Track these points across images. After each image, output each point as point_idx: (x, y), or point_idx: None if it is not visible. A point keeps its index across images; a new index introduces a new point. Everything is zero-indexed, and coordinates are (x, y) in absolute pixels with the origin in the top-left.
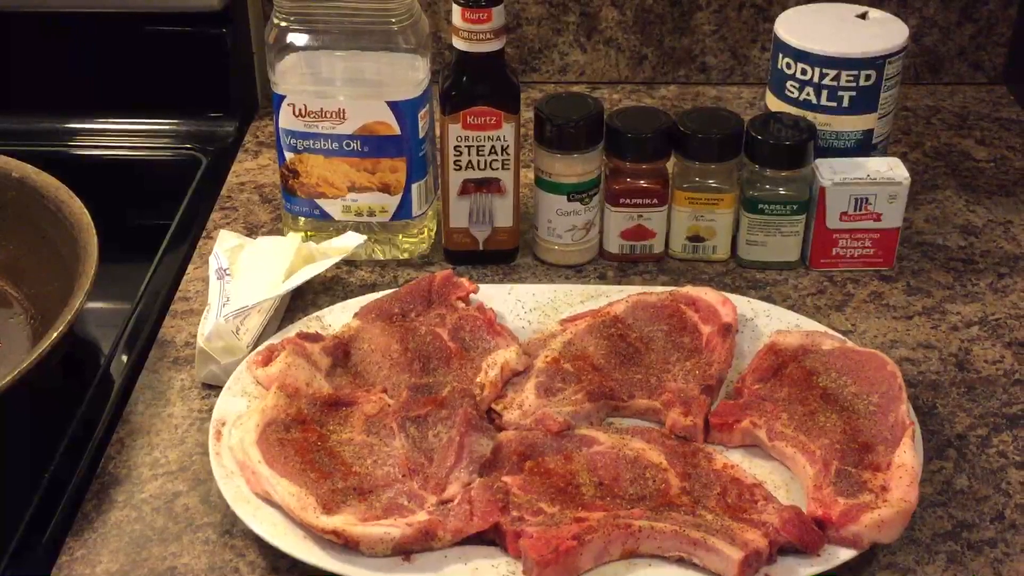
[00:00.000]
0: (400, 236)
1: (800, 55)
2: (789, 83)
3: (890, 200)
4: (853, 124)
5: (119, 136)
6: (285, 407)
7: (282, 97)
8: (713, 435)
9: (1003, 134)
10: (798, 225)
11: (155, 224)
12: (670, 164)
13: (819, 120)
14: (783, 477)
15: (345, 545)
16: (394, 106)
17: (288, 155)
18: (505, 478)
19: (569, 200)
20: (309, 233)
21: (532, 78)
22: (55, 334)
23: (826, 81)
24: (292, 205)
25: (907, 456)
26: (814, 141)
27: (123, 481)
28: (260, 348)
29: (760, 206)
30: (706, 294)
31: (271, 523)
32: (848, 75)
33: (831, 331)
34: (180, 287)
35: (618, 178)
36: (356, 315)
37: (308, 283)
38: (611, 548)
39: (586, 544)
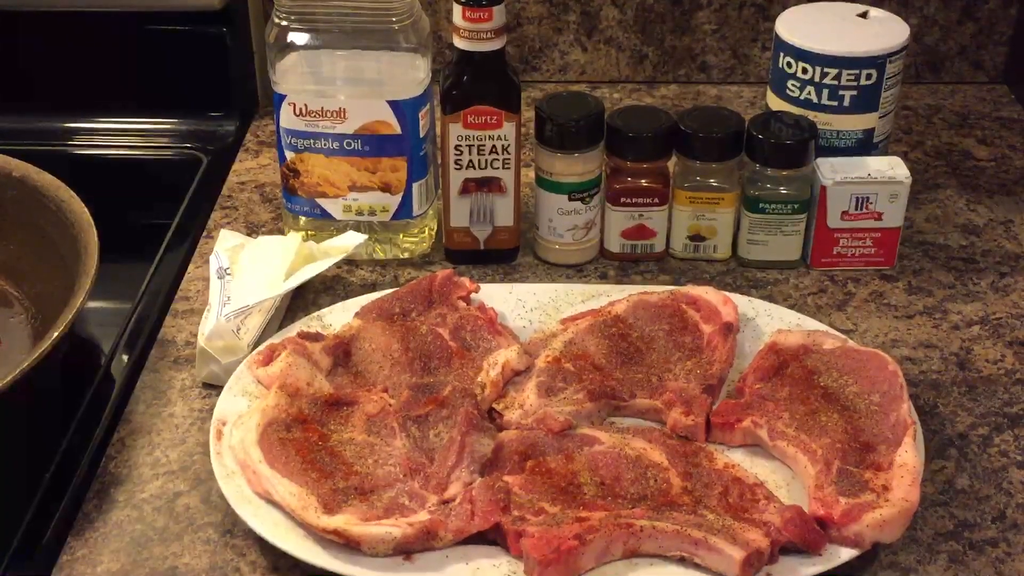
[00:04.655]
0: (401, 235)
1: (801, 54)
2: (790, 82)
3: (891, 199)
4: (854, 123)
5: (120, 135)
6: (286, 407)
7: (283, 96)
8: (714, 434)
9: (1004, 133)
10: (799, 224)
11: (156, 223)
12: (671, 163)
13: (820, 119)
14: (784, 476)
15: (346, 545)
16: (395, 105)
17: (289, 154)
18: (506, 478)
19: (570, 199)
20: (310, 232)
21: (533, 77)
22: (56, 333)
23: (827, 80)
24: (293, 204)
25: (908, 455)
26: (815, 140)
27: (124, 481)
28: (261, 348)
29: (761, 205)
30: (707, 293)
31: (272, 523)
32: (849, 74)
33: (832, 330)
34: (181, 286)
35: (619, 177)
36: (357, 315)
37: (309, 282)
38: (612, 548)
39: (588, 544)
